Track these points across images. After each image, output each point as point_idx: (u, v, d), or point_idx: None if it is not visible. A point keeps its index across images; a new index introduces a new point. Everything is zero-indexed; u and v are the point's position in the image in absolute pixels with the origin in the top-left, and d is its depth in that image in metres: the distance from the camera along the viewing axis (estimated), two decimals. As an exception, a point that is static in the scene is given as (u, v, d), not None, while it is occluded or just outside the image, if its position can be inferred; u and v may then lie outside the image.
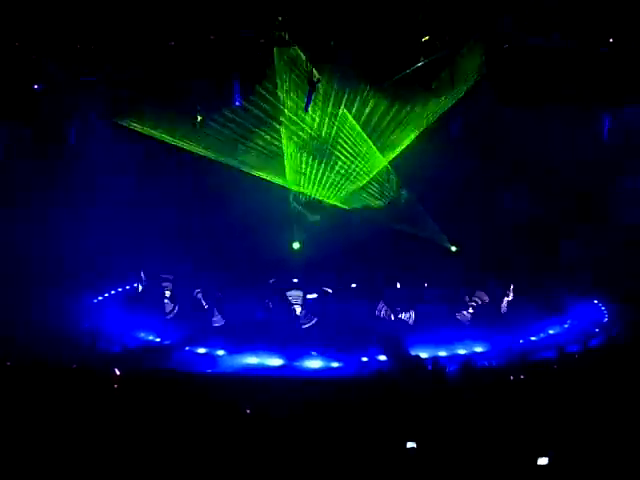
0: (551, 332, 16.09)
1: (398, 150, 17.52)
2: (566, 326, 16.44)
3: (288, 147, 17.48)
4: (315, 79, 15.27)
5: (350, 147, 17.50)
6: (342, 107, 16.77)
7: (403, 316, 16.63)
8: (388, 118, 16.95)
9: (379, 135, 17.35)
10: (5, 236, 16.09)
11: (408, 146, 17.32)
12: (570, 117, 16.73)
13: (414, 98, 16.47)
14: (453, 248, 18.52)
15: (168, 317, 16.78)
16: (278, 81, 15.96)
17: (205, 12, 14.17)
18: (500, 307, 16.93)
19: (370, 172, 18.05)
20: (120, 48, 14.73)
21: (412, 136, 17.18)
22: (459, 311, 16.80)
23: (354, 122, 17.12)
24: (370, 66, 15.51)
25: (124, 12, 14.15)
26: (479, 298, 16.89)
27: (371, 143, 17.47)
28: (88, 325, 15.28)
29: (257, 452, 8.20)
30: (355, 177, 18.09)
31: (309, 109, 16.07)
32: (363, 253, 17.77)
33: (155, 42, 14.75)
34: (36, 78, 15.46)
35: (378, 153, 17.64)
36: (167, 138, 16.75)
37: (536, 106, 16.26)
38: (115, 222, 16.92)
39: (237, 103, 15.70)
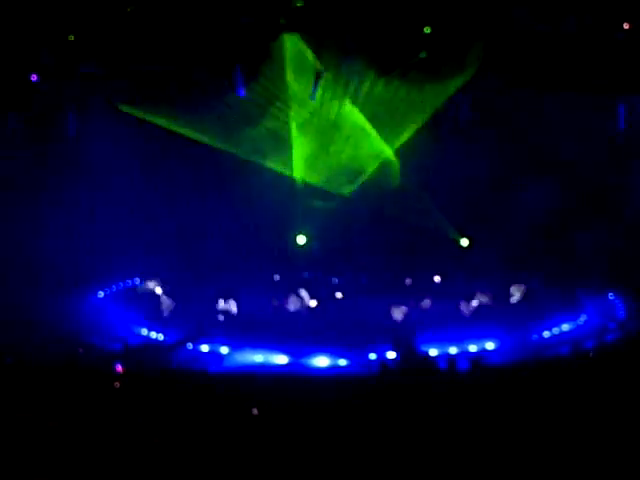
0: (565, 328, 15.82)
1: (404, 137, 17.23)
2: (581, 322, 16.17)
3: (293, 133, 17.24)
4: (319, 69, 15.12)
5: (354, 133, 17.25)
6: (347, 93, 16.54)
7: (412, 312, 16.40)
8: (393, 106, 16.71)
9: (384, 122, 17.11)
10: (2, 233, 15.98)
11: (414, 134, 17.09)
12: (585, 105, 16.50)
13: (420, 85, 16.22)
14: (464, 242, 18.28)
15: (171, 314, 16.60)
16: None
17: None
18: (511, 302, 16.71)
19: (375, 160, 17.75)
20: (119, 38, 14.58)
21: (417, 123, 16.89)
22: (469, 307, 16.53)
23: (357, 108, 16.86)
24: (377, 54, 15.31)
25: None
26: (489, 293, 16.63)
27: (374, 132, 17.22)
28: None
29: (264, 452, 7.97)
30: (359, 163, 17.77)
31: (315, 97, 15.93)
32: (370, 248, 17.63)
33: (155, 32, 14.60)
34: (33, 68, 15.30)
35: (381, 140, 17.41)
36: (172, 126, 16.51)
37: (548, 94, 16.05)
38: (115, 217, 16.86)
39: (241, 93, 15.61)
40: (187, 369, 13.00)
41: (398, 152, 17.59)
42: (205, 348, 14.82)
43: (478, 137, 17.11)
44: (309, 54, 15.51)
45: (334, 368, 13.98)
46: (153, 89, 15.88)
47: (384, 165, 17.96)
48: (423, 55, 15.00)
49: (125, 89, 16.06)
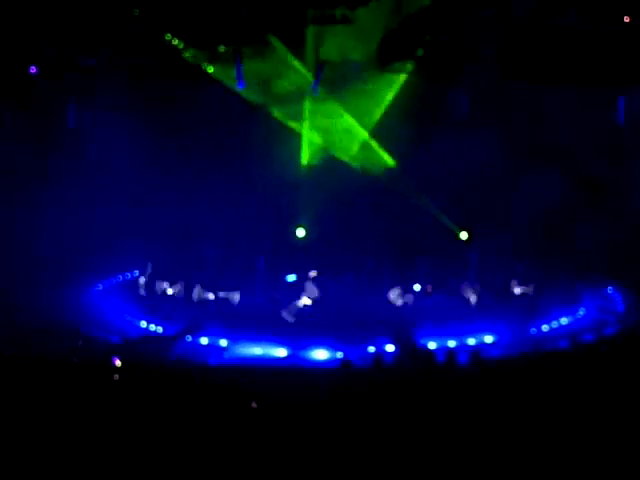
0: (564, 321, 15.82)
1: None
2: (580, 315, 16.17)
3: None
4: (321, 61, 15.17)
5: None
6: None
7: (411, 304, 16.38)
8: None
9: None
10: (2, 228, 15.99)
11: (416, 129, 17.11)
12: (584, 99, 16.47)
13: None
14: (463, 236, 18.23)
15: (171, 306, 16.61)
16: None
17: None
18: (508, 296, 16.74)
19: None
20: (119, 31, 14.53)
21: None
22: (468, 301, 16.54)
23: None
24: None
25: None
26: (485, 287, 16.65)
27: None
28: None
29: (263, 445, 7.86)
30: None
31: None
32: (370, 241, 17.62)
33: (155, 26, 14.58)
34: (34, 61, 15.26)
35: None
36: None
37: (547, 87, 16.02)
38: (115, 210, 16.89)
39: (240, 86, 15.64)
40: (186, 362, 12.97)
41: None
42: (204, 341, 14.87)
43: (478, 132, 17.08)
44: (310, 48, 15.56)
45: (333, 361, 13.98)
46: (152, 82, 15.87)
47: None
48: (420, 53, 15.14)
49: (125, 82, 16.04)
